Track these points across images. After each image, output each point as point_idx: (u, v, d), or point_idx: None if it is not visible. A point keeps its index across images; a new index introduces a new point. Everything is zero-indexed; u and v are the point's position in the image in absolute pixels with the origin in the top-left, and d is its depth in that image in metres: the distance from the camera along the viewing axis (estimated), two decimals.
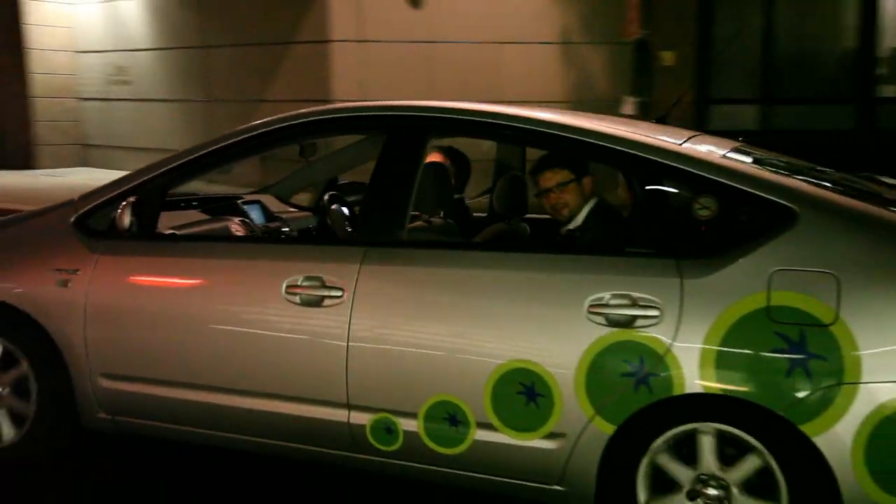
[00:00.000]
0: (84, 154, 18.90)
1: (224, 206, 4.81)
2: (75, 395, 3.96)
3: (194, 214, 4.54)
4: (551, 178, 4.02)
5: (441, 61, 13.73)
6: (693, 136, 3.58)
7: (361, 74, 13.43)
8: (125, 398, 3.89)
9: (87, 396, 3.94)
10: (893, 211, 3.04)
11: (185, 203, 4.72)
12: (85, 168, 18.54)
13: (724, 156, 3.33)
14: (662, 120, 4.32)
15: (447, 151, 4.78)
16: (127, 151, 18.30)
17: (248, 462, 4.11)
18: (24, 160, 18.13)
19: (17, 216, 4.90)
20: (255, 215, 4.85)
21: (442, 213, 4.24)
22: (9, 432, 4.13)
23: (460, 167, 4.82)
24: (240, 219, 4.64)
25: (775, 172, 3.23)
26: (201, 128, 16.68)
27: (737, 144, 3.73)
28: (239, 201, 4.96)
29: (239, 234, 4.44)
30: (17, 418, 4.12)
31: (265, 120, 3.95)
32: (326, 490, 4.00)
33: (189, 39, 16.58)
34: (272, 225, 4.85)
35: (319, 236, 4.89)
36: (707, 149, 3.38)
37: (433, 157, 4.52)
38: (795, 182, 3.16)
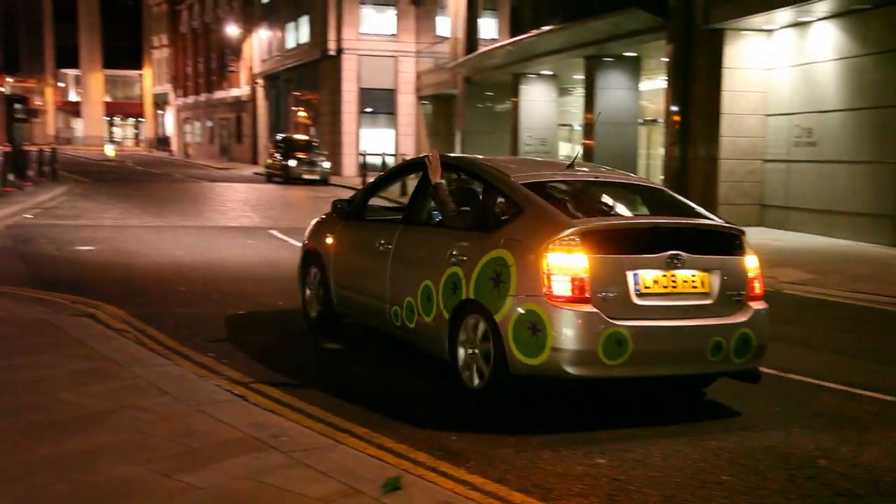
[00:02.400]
0: (761, 214, 19.23)
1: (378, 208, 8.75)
2: (330, 294, 7.91)
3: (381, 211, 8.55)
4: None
5: None
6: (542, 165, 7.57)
7: None
8: (341, 296, 7.80)
9: (333, 296, 7.89)
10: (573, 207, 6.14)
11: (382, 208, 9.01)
12: (760, 228, 18.83)
13: (527, 180, 6.26)
14: None
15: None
16: (804, 213, 18.10)
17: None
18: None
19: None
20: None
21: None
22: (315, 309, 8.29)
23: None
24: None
25: (535, 188, 6.14)
26: (889, 188, 15.73)
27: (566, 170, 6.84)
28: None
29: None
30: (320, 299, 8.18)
31: None
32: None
33: (883, 98, 15.81)
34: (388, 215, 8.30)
35: (392, 219, 7.75)
36: (525, 173, 6.44)
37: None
38: (531, 194, 6.03)
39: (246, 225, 18.28)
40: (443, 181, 6.67)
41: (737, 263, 5.99)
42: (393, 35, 40.78)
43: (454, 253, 6.17)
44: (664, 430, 5.68)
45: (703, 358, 5.75)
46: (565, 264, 5.49)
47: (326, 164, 34.61)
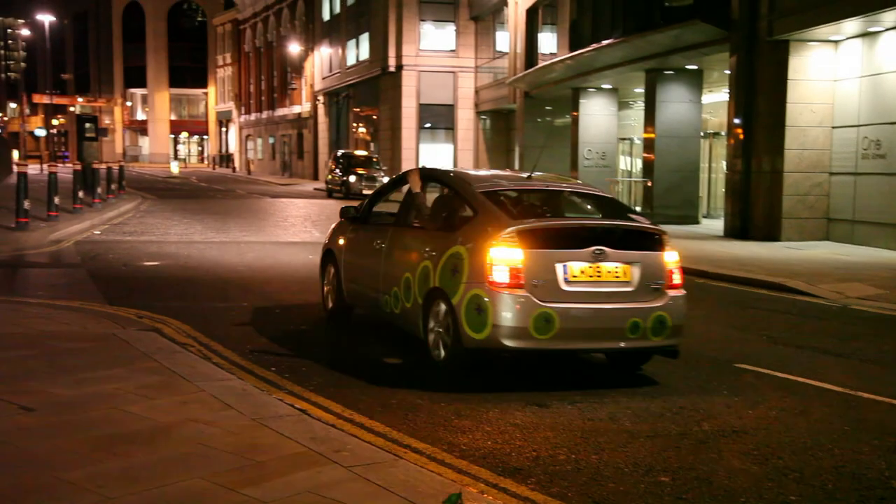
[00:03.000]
0: (828, 228, 18.83)
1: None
2: (342, 288, 9.24)
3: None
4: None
5: None
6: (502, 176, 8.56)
7: None
8: (350, 289, 9.11)
9: (344, 290, 9.20)
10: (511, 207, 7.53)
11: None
12: (826, 242, 18.45)
13: (484, 189, 7.56)
14: None
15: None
16: (872, 227, 17.66)
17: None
18: (768, 232, 18.83)
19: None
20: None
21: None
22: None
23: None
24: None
25: (490, 196, 7.43)
26: None
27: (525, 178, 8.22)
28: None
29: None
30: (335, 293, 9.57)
31: None
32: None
33: None
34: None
35: (387, 222, 8.86)
36: (484, 183, 7.76)
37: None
38: (485, 200, 7.31)
39: (307, 240, 18.50)
40: (420, 191, 8.16)
41: (657, 258, 7.15)
42: (452, 51, 41.01)
43: (426, 249, 7.50)
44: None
45: (622, 335, 6.93)
46: (504, 257, 6.77)
47: (386, 180, 34.81)
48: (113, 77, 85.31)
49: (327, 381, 6.95)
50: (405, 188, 8.58)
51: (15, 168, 26.05)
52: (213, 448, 4.93)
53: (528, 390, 6.89)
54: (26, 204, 17.03)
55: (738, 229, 19.59)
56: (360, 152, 39.95)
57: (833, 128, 18.67)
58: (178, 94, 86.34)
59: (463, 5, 40.70)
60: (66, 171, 28.17)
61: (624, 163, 29.50)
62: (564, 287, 6.78)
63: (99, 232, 18.54)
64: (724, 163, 22.18)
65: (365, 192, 33.68)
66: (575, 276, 6.81)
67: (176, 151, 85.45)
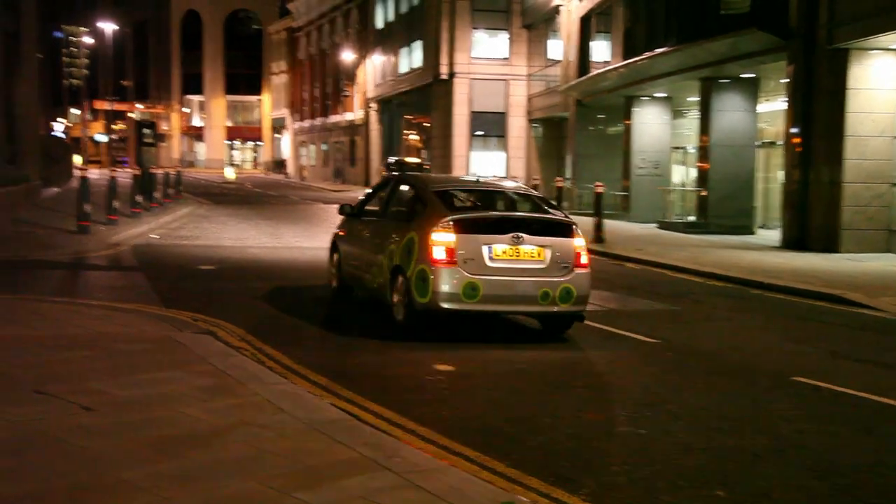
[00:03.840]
0: (889, 240, 18.39)
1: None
2: (342, 269, 11.05)
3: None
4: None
5: None
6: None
7: None
8: (346, 271, 10.91)
9: (342, 270, 11.07)
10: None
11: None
12: (887, 254, 18.01)
13: (436, 189, 9.63)
14: None
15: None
16: None
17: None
18: (827, 243, 18.46)
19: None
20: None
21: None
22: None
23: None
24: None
25: (439, 194, 9.49)
26: None
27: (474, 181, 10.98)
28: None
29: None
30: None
31: None
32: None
33: None
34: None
35: (372, 217, 10.81)
36: (438, 185, 9.90)
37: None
38: (434, 198, 9.34)
39: None
40: (395, 192, 10.37)
41: (567, 243, 9.03)
42: (505, 59, 40.98)
43: (393, 236, 9.50)
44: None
45: (535, 301, 8.87)
46: (442, 240, 8.73)
47: None
48: (171, 84, 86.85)
49: (378, 386, 6.97)
50: (388, 189, 10.67)
51: (76, 173, 26.66)
52: (267, 451, 4.97)
53: (584, 409, 6.83)
54: (87, 208, 17.40)
55: (795, 240, 19.25)
56: (412, 159, 40.08)
57: (895, 137, 18.25)
58: (233, 101, 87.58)
59: (516, 13, 40.65)
60: (125, 175, 28.71)
61: (677, 172, 29.18)
62: (489, 263, 8.75)
63: (156, 236, 18.86)
64: (780, 172, 21.81)
65: None
66: (498, 255, 8.80)
67: (231, 157, 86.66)
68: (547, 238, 8.93)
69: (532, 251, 8.82)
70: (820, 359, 8.87)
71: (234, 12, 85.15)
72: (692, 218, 24.47)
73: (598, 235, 19.33)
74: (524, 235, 8.79)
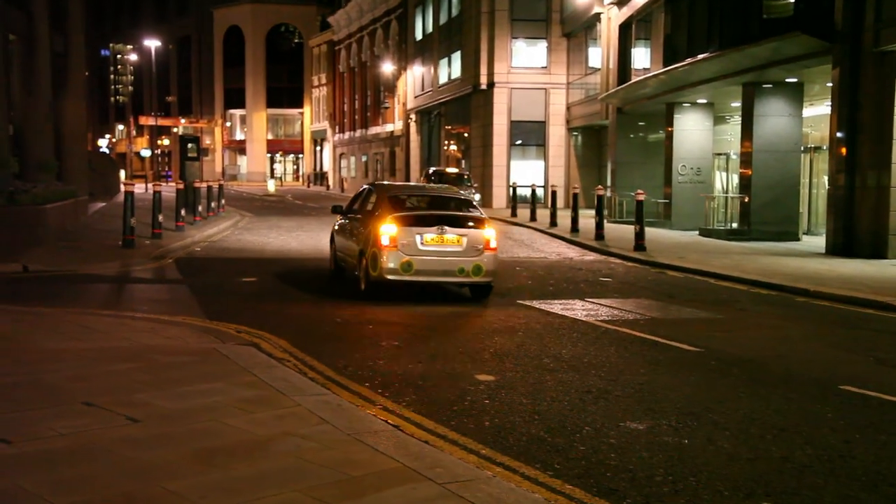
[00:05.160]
0: None
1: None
2: (336, 255, 14.44)
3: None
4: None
5: None
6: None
7: None
8: (338, 256, 14.33)
9: (336, 259, 14.46)
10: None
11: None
12: None
13: (391, 193, 13.11)
14: None
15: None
16: None
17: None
18: (874, 249, 18.14)
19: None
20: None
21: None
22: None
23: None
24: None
25: (392, 198, 12.83)
26: None
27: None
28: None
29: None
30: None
31: None
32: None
33: None
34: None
35: (352, 215, 13.93)
36: (393, 191, 13.50)
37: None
38: (387, 200, 12.68)
39: None
40: (368, 195, 13.47)
41: (479, 233, 12.12)
42: (544, 68, 40.91)
43: (360, 229, 12.69)
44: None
45: (454, 274, 12.02)
46: (387, 231, 11.89)
47: (477, 196, 34.86)
48: (214, 98, 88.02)
49: (420, 397, 6.99)
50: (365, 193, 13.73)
51: (122, 188, 27.13)
52: (310, 462, 5.01)
53: (626, 419, 6.78)
54: (132, 222, 17.70)
55: (841, 246, 18.94)
56: (452, 169, 40.12)
57: None
58: (274, 115, 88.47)
59: (555, 22, 40.57)
60: (169, 189, 29.12)
61: (719, 178, 28.87)
62: (420, 247, 11.91)
63: (199, 248, 19.12)
64: (825, 178, 21.49)
65: None
66: (427, 242, 11.95)
67: (272, 170, 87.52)
68: (464, 229, 12.11)
69: (453, 238, 12.01)
70: (868, 367, 8.70)
71: (276, 27, 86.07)
72: (735, 225, 24.19)
73: (638, 244, 19.19)
74: (447, 227, 12.01)
